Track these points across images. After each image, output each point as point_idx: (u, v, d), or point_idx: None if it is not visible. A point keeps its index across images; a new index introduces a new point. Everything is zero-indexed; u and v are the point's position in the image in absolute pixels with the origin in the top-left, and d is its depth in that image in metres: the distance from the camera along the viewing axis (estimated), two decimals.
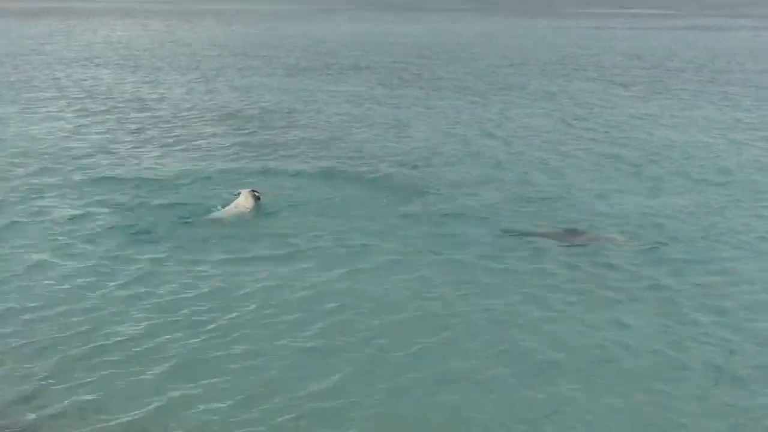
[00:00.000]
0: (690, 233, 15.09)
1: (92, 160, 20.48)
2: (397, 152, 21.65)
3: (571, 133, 24.68)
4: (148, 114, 27.44)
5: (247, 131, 24.52)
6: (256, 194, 15.78)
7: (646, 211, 16.52)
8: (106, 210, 15.99)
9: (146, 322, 11.06)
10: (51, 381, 9.56)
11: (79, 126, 25.04)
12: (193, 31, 69.63)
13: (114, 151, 21.64)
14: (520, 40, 61.66)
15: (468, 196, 17.39)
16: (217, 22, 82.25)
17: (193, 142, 22.79)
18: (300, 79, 37.06)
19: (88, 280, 12.51)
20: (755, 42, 60.87)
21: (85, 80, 36.08)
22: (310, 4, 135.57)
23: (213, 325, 10.96)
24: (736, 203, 17.21)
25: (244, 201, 15.62)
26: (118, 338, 10.61)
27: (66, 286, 12.27)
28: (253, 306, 11.60)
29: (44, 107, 28.47)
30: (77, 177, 18.61)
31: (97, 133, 23.91)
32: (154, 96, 31.58)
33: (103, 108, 28.51)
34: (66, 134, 23.70)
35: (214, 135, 23.90)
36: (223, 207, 15.83)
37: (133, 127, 25.06)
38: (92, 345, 10.42)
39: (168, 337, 10.66)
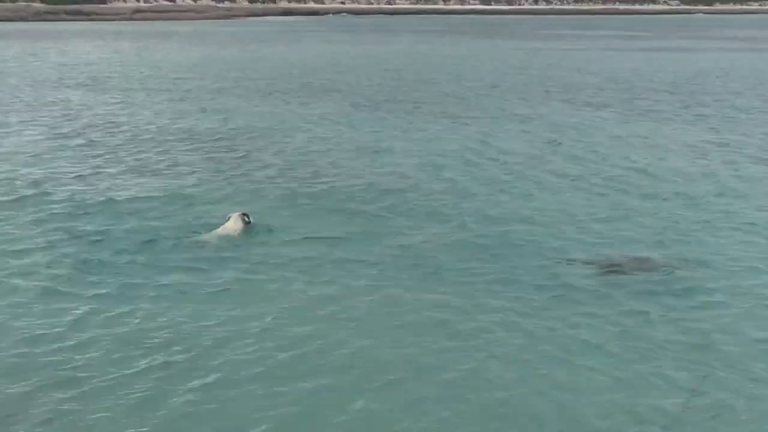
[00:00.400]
0: (667, 258, 15.02)
1: (64, 184, 20.22)
2: (370, 176, 21.48)
3: (546, 156, 24.63)
4: (120, 137, 27.20)
5: (219, 154, 24.28)
6: (246, 218, 15.82)
7: (623, 233, 16.51)
8: (83, 235, 15.86)
9: (116, 353, 10.88)
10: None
11: (50, 148, 24.79)
12: (164, 52, 69.28)
13: (84, 174, 21.39)
14: (492, 62, 61.87)
15: (443, 222, 17.24)
16: (188, 44, 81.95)
17: (164, 166, 22.55)
18: (272, 102, 36.90)
19: (54, 306, 12.37)
20: (721, 63, 61.31)
21: (54, 102, 35.79)
22: (281, 26, 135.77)
23: (180, 357, 10.85)
24: (708, 224, 17.27)
25: (233, 224, 15.66)
26: (81, 369, 10.44)
27: (34, 314, 12.11)
28: (226, 335, 11.49)
29: (13, 129, 28.18)
30: (49, 201, 18.43)
31: (68, 157, 23.65)
32: (124, 118, 31.32)
33: (73, 130, 28.24)
34: (35, 157, 23.43)
35: (185, 158, 23.66)
36: (211, 230, 15.82)
37: (103, 150, 24.80)
38: (57, 375, 10.27)
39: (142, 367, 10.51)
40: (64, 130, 28.23)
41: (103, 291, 13.04)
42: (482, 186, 20.62)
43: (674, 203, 18.98)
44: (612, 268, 14.34)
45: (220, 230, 15.66)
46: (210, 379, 10.22)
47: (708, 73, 53.10)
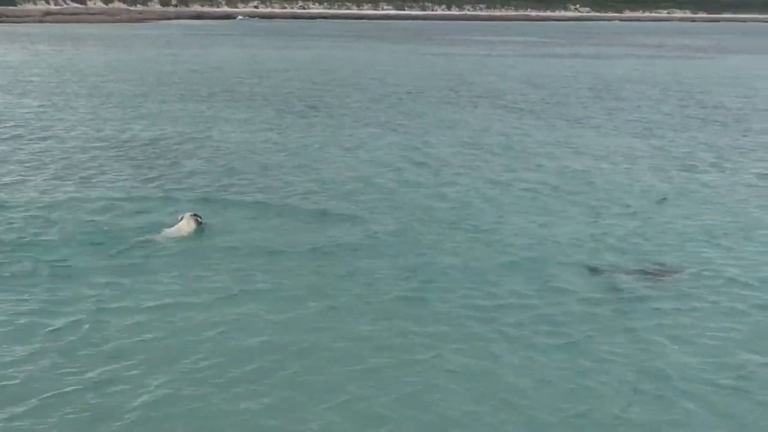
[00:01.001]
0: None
1: None
2: (305, 180, 21.42)
3: (476, 161, 24.70)
4: (45, 143, 26.35)
5: (149, 159, 23.81)
6: (198, 219, 15.88)
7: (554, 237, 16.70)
8: (15, 242, 15.45)
9: (63, 364, 10.63)
10: None
11: None
12: (80, 56, 67.52)
13: (9, 181, 20.68)
14: (413, 67, 62.08)
15: (371, 225, 17.33)
16: (103, 47, 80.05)
17: (93, 172, 21.96)
18: (194, 107, 36.28)
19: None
20: (637, 69, 62.66)
21: None
22: (194, 29, 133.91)
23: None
24: (640, 229, 17.57)
25: (186, 225, 15.69)
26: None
27: None
28: (180, 341, 11.35)
29: None
30: None
31: None
32: (45, 124, 30.36)
33: None
34: None
35: (115, 164, 23.11)
36: (162, 231, 15.83)
37: (28, 156, 24.05)
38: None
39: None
40: None
41: (45, 298, 12.77)
42: (415, 189, 20.76)
43: (603, 209, 19.25)
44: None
45: (173, 230, 15.66)
46: (160, 387, 10.05)
47: (625, 78, 54.22)
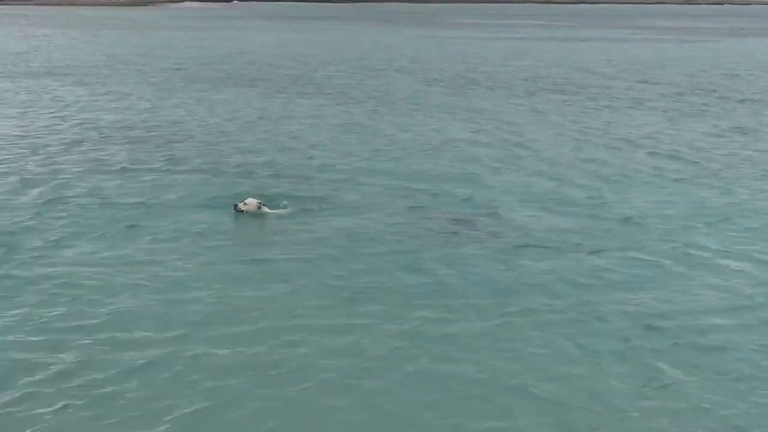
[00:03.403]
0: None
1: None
2: (293, 166, 20.44)
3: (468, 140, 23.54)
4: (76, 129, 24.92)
5: (209, 145, 22.96)
6: (261, 203, 15.96)
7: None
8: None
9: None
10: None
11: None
12: (83, 39, 65.98)
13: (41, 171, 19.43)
14: (417, 50, 60.13)
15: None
16: (132, 32, 78.10)
17: (151, 155, 21.29)
18: (185, 90, 34.81)
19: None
20: (658, 52, 60.43)
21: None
22: (199, 11, 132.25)
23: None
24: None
25: (249, 208, 15.82)
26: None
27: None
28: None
29: None
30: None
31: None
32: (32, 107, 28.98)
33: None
34: None
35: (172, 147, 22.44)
36: (226, 214, 15.85)
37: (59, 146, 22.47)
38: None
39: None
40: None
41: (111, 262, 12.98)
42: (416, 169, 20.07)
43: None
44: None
45: (237, 213, 15.79)
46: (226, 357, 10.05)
47: (650, 62, 51.88)
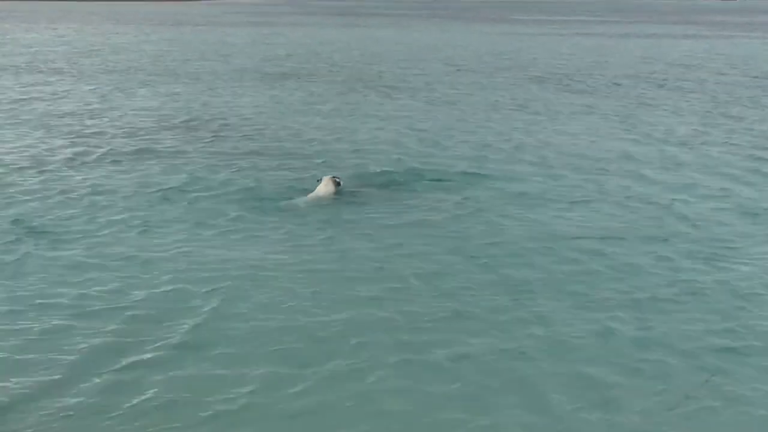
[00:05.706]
0: None
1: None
2: (352, 157, 19.97)
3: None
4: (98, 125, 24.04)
5: (213, 140, 22.13)
6: (337, 180, 16.01)
7: None
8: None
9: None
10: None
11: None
12: (148, 35, 65.18)
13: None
14: (488, 47, 58.40)
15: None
16: (153, 28, 77.09)
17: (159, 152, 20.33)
18: (249, 86, 33.92)
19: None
20: (702, 49, 57.61)
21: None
22: (251, 6, 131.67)
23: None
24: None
25: (324, 187, 15.81)
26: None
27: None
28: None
29: None
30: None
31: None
32: (94, 106, 27.79)
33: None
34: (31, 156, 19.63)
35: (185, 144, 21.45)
36: (303, 195, 15.87)
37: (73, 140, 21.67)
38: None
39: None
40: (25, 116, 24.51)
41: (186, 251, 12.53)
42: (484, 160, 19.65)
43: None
44: None
45: (313, 194, 15.81)
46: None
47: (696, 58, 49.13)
